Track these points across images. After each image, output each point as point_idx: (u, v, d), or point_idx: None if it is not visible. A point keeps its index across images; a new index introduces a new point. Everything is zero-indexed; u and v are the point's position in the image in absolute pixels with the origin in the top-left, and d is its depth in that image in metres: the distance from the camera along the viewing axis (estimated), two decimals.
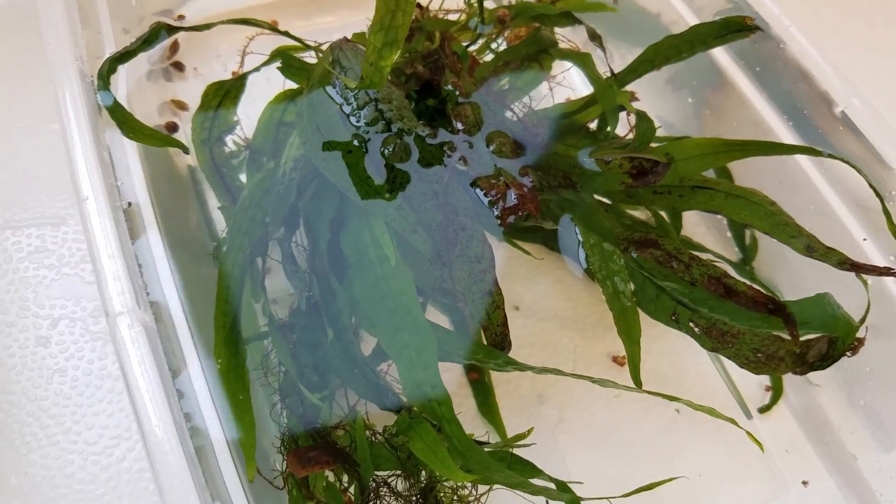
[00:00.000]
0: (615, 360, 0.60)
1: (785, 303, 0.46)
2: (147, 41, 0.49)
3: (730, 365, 0.57)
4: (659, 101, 0.67)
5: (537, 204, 0.47)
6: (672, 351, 0.61)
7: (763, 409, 0.59)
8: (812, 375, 0.59)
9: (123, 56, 0.48)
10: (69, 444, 0.53)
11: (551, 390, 0.58)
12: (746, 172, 0.59)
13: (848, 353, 0.50)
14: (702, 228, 0.66)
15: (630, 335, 0.45)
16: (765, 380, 0.61)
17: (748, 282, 0.47)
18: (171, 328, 0.44)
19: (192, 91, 0.63)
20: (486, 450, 0.45)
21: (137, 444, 0.54)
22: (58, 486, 0.52)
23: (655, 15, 0.68)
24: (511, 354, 0.47)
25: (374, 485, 0.43)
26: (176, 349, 0.43)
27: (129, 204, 0.45)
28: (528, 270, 0.62)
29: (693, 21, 0.65)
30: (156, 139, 0.48)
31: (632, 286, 0.46)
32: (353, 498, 0.43)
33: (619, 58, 0.67)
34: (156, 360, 0.37)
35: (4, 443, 0.53)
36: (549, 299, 0.62)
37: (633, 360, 0.45)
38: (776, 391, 0.59)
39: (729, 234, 0.65)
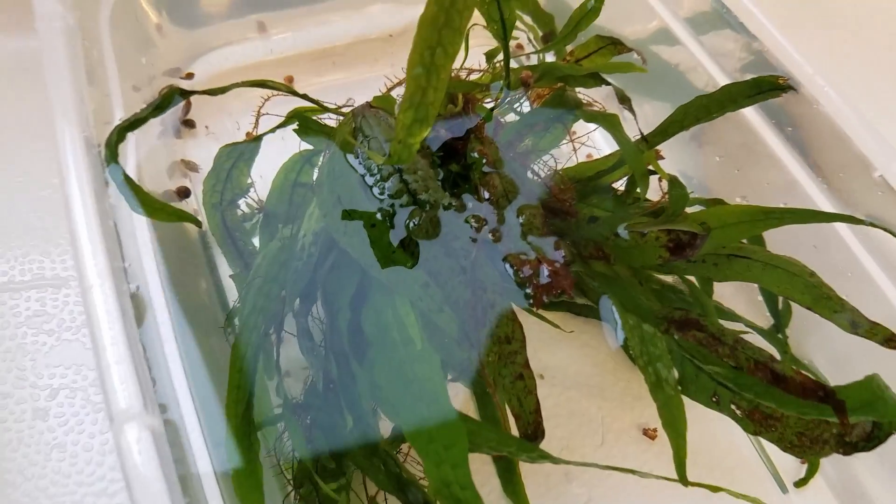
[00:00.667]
0: (645, 432, 0.57)
1: (836, 389, 0.43)
2: (159, 107, 0.47)
3: None
4: (683, 156, 0.64)
5: (571, 282, 0.44)
6: (703, 421, 0.58)
7: (799, 484, 0.56)
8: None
9: (133, 124, 0.46)
10: None
11: (579, 468, 0.55)
12: (781, 236, 0.57)
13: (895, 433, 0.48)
14: (729, 289, 0.63)
15: (675, 428, 0.42)
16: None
17: (795, 367, 0.44)
18: (180, 420, 0.41)
19: (203, 150, 0.60)
20: None
21: None
22: None
23: (675, 66, 0.66)
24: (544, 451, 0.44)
25: None
26: (184, 443, 0.40)
27: (138, 287, 0.42)
28: (551, 336, 0.60)
29: (717, 74, 0.63)
30: (168, 214, 0.45)
31: (676, 373, 0.43)
32: None
33: (647, 114, 0.65)
34: (163, 467, 0.34)
35: None
36: (575, 366, 0.59)
37: (678, 455, 0.42)
38: (813, 464, 0.56)
39: (759, 297, 0.62)
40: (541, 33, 0.68)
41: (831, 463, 0.58)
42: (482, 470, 0.56)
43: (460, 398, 0.53)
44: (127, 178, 0.44)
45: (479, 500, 0.39)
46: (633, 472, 0.43)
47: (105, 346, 0.37)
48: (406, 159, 0.41)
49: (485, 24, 0.52)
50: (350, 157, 0.47)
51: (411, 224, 0.45)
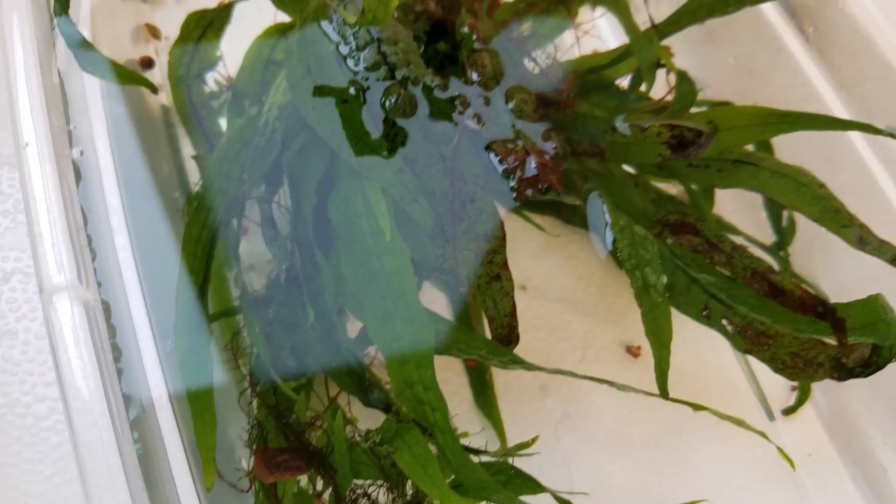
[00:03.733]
0: (629, 350, 0.54)
1: (836, 306, 0.40)
2: None
3: (754, 360, 0.52)
4: (695, 57, 0.59)
5: (560, 175, 0.40)
6: (691, 340, 0.55)
7: (788, 411, 0.54)
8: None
9: None
10: (16, 419, 0.48)
11: (556, 381, 0.52)
12: (789, 146, 0.53)
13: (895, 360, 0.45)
14: (732, 205, 0.59)
15: (659, 337, 0.39)
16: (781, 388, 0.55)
17: (795, 280, 0.41)
18: (124, 301, 0.37)
19: (171, 18, 0.55)
20: (483, 460, 0.40)
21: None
22: (2, 465, 0.47)
23: None
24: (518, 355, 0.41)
25: (352, 495, 0.37)
26: (127, 325, 0.37)
27: (82, 152, 0.38)
28: (538, 244, 0.56)
29: None
30: (122, 76, 0.41)
31: (664, 279, 0.40)
32: None
33: (663, 5, 0.60)
34: (96, 348, 0.31)
35: None
36: (560, 278, 0.55)
37: (660, 366, 0.39)
38: (804, 392, 0.54)
39: (763, 213, 0.58)
40: None
41: (822, 391, 0.55)
42: (454, 380, 0.54)
43: (438, 300, 0.50)
44: (76, 32, 0.39)
45: (443, 401, 0.36)
46: (609, 382, 0.40)
47: (37, 211, 0.33)
48: (382, 17, 0.36)
49: None
50: (324, 24, 0.42)
51: (387, 102, 0.40)
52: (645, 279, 0.39)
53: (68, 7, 0.41)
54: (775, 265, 0.55)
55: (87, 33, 0.46)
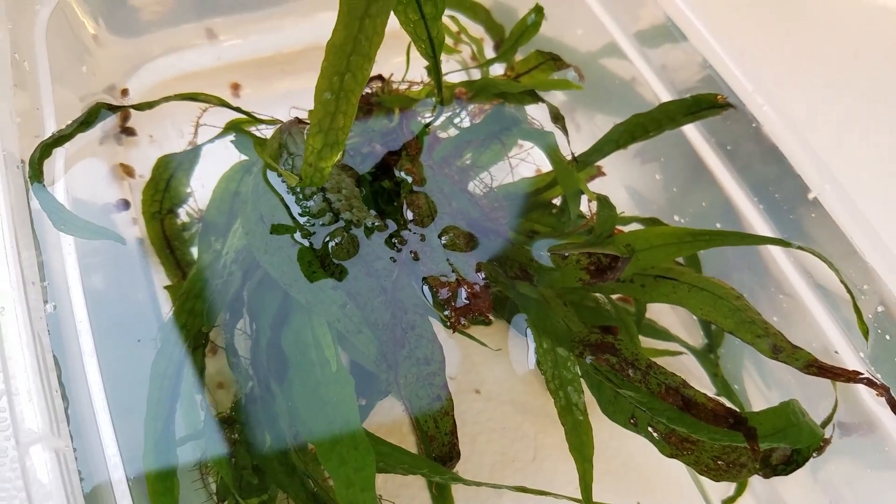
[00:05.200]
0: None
1: (746, 415, 0.44)
2: (85, 122, 0.47)
3: None
4: (627, 173, 0.65)
5: (489, 304, 0.45)
6: (637, 438, 0.59)
7: (727, 502, 0.57)
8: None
9: (59, 140, 0.46)
10: None
11: (511, 483, 0.55)
12: (715, 256, 0.57)
13: (814, 455, 0.48)
14: (667, 307, 0.63)
15: (582, 452, 0.42)
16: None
17: (706, 394, 0.45)
18: (95, 436, 0.41)
19: (146, 158, 0.60)
20: None
21: None
22: None
23: (629, 81, 0.66)
24: (469, 441, 0.45)
25: None
26: (97, 460, 0.41)
27: (55, 307, 0.42)
28: (490, 351, 0.60)
29: (663, 91, 0.63)
30: (91, 233, 0.46)
31: (585, 399, 0.43)
32: None
33: (595, 127, 0.65)
34: (66, 487, 0.35)
35: None
36: (511, 381, 0.59)
37: (584, 479, 0.42)
38: (741, 484, 0.57)
39: (695, 317, 0.62)
40: (492, 42, 0.68)
41: (759, 480, 0.58)
42: (414, 483, 0.57)
43: (397, 408, 0.54)
44: (49, 198, 0.44)
45: None
46: (545, 493, 0.44)
47: (13, 373, 0.38)
48: (318, 182, 0.41)
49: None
50: (273, 175, 0.47)
51: (332, 244, 0.45)
52: (568, 398, 0.43)
53: (42, 175, 0.46)
54: (704, 373, 0.59)
55: (62, 182, 0.52)
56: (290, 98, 0.58)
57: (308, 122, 0.51)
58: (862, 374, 0.47)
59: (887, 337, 0.51)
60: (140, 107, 0.49)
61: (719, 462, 0.46)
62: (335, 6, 0.47)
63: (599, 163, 0.59)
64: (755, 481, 0.58)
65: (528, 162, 0.58)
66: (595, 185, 0.61)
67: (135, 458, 0.44)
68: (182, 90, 0.59)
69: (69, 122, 0.51)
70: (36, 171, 0.45)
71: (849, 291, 0.50)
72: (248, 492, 0.46)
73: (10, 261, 0.40)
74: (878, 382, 0.46)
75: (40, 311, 0.40)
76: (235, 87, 0.64)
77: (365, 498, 0.40)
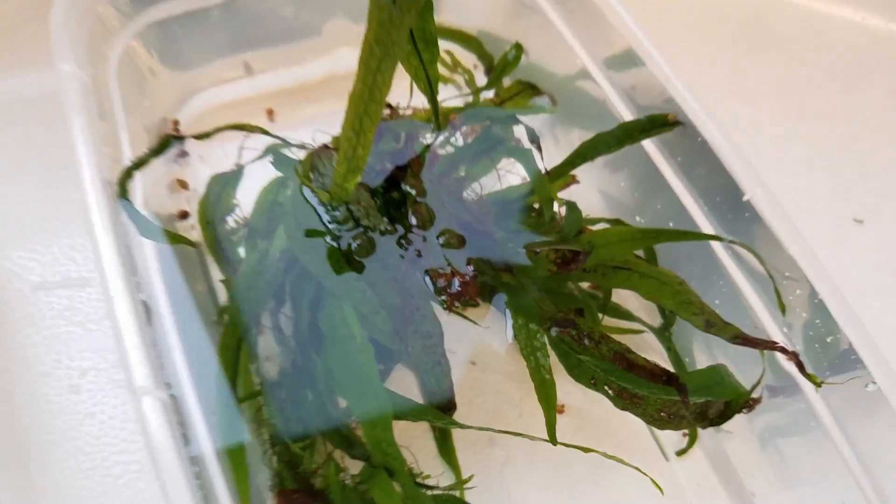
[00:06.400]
0: (557, 408, 0.70)
1: (678, 374, 0.56)
2: (156, 152, 0.60)
3: None
4: (599, 180, 0.77)
5: (476, 290, 0.57)
6: (603, 399, 0.72)
7: (680, 453, 0.69)
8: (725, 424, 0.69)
9: (137, 165, 0.59)
10: (99, 478, 0.65)
11: (500, 434, 0.68)
12: (669, 250, 0.69)
13: (744, 411, 0.61)
14: (632, 295, 0.75)
15: (548, 402, 0.55)
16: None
17: (646, 357, 0.57)
18: (181, 395, 0.54)
19: (198, 174, 0.73)
20: (435, 493, 0.56)
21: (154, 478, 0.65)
22: None
23: (601, 101, 0.77)
24: (467, 403, 0.58)
25: None
26: (184, 412, 0.54)
27: (148, 297, 0.55)
28: (483, 330, 0.73)
29: (631, 110, 0.75)
30: (171, 238, 0.59)
31: (550, 361, 0.56)
32: None
33: (571, 141, 0.77)
34: (171, 427, 0.48)
35: (48, 478, 0.64)
36: (500, 354, 0.72)
37: (549, 423, 0.55)
38: (692, 437, 0.69)
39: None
40: (483, 68, 0.80)
41: (709, 436, 0.71)
42: (423, 436, 0.70)
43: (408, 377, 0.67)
44: (134, 211, 0.57)
45: (400, 455, 0.53)
46: (521, 434, 0.56)
47: (126, 341, 0.51)
48: (344, 198, 0.53)
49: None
50: (307, 191, 0.60)
51: (354, 245, 0.58)
52: (537, 361, 0.56)
53: (127, 193, 0.59)
54: (662, 350, 0.70)
55: (138, 197, 0.64)
56: (315, 121, 0.71)
57: (331, 146, 0.64)
58: (777, 342, 0.59)
59: (804, 315, 0.63)
60: (199, 136, 0.62)
61: (662, 413, 0.59)
62: (349, 42, 0.58)
63: (574, 172, 0.71)
64: (704, 437, 0.70)
65: (514, 173, 0.70)
66: (571, 191, 0.73)
67: (209, 411, 0.57)
68: (225, 118, 0.72)
69: (141, 149, 0.64)
70: (122, 189, 0.58)
71: (771, 277, 0.62)
72: (293, 436, 0.59)
73: (113, 261, 0.53)
74: (790, 350, 0.58)
75: (138, 298, 0.53)
76: (270, 113, 0.77)
77: (385, 436, 0.53)
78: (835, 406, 0.61)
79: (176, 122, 0.73)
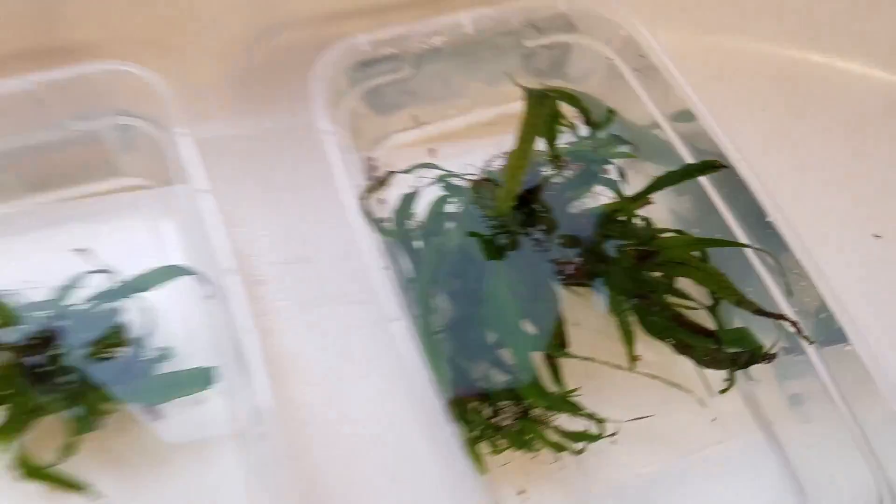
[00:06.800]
0: (634, 358, 1.00)
1: (715, 331, 0.86)
2: (383, 182, 0.94)
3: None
4: (667, 201, 1.07)
5: (584, 273, 0.89)
6: (670, 354, 1.01)
7: (722, 391, 0.98)
8: (754, 373, 0.98)
9: (372, 188, 0.94)
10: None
11: (594, 370, 0.98)
12: (716, 254, 0.99)
13: (765, 361, 0.90)
14: (689, 282, 1.05)
15: (629, 344, 0.86)
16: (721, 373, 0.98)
17: (700, 322, 0.87)
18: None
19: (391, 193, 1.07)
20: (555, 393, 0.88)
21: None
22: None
23: (668, 145, 1.08)
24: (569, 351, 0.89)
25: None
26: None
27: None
28: (586, 301, 1.03)
29: (687, 155, 1.05)
30: (384, 234, 0.93)
31: (632, 320, 0.87)
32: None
33: (651, 172, 1.08)
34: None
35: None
36: (597, 319, 1.02)
37: (629, 355, 0.86)
38: (731, 381, 0.98)
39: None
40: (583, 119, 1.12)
41: (743, 381, 0.99)
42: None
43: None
44: (375, 217, 0.91)
45: (535, 372, 0.85)
46: (607, 363, 0.87)
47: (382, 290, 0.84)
48: (504, 214, 0.86)
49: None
50: (473, 207, 0.93)
51: (504, 242, 0.90)
52: (623, 319, 0.87)
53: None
54: (710, 316, 1.00)
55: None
56: (463, 157, 1.04)
57: (487, 178, 0.97)
58: (784, 314, 0.88)
59: (806, 298, 0.91)
60: (405, 171, 0.95)
61: (706, 358, 0.89)
62: (485, 102, 0.92)
63: (650, 196, 1.02)
64: (740, 381, 0.99)
65: (605, 196, 1.02)
66: (647, 209, 1.03)
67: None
68: (403, 155, 1.06)
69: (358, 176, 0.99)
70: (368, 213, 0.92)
71: (783, 274, 0.91)
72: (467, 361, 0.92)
73: (370, 244, 0.86)
74: (792, 320, 0.88)
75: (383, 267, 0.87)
76: (432, 152, 1.11)
77: (524, 356, 0.85)
78: (827, 361, 0.90)
79: (371, 159, 1.08)
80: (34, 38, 0.97)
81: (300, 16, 1.08)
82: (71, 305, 0.83)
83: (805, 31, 1.31)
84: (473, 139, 1.13)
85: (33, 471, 0.71)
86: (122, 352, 0.84)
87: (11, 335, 0.81)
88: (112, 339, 0.82)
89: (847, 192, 1.17)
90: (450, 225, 0.98)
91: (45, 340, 0.81)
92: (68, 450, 0.76)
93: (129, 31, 0.99)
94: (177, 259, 0.93)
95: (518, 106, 0.88)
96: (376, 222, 0.92)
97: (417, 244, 1.01)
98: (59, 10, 0.94)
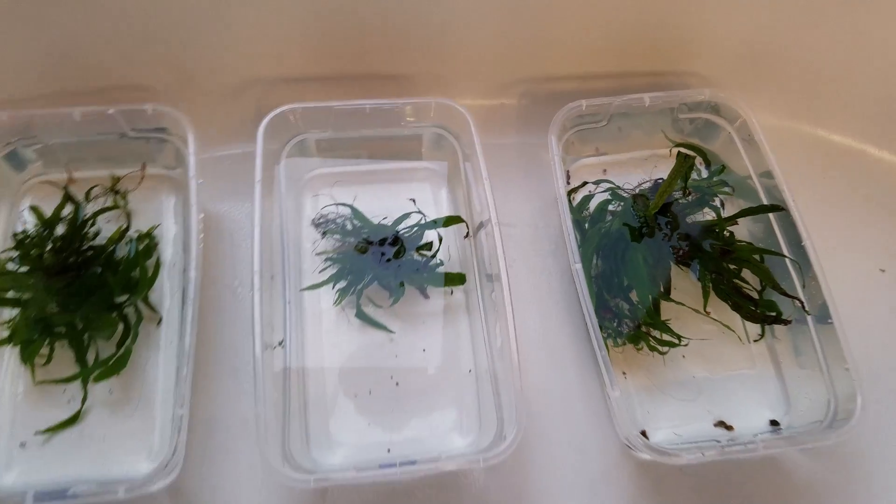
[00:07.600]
0: (708, 314, 1.68)
1: (757, 300, 1.53)
2: (575, 188, 1.65)
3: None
4: (749, 224, 1.71)
5: (687, 257, 1.58)
6: (730, 312, 1.67)
7: (756, 340, 1.57)
8: (777, 332, 1.64)
9: (569, 192, 1.65)
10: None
11: (682, 312, 1.66)
12: (770, 258, 1.65)
13: (783, 324, 1.53)
14: (749, 274, 1.71)
15: (705, 297, 1.54)
16: (757, 328, 1.57)
17: (746, 290, 1.54)
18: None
19: (578, 193, 1.78)
20: (657, 319, 1.58)
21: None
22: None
23: (755, 191, 1.73)
24: (663, 307, 1.58)
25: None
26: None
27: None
28: (680, 273, 1.71)
29: (765, 197, 1.70)
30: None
31: (709, 287, 1.55)
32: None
33: (742, 205, 1.73)
34: (582, 283, 1.53)
35: None
36: (691, 288, 1.69)
37: (705, 305, 1.54)
38: (762, 333, 1.55)
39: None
40: (703, 163, 1.79)
41: (770, 335, 1.65)
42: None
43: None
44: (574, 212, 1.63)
45: (652, 312, 1.54)
46: (690, 306, 1.55)
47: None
48: (648, 216, 1.56)
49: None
50: (630, 209, 1.63)
51: (645, 232, 1.60)
52: (706, 286, 1.54)
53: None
54: (756, 294, 1.67)
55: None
56: (627, 176, 1.73)
57: (642, 193, 1.66)
58: (796, 296, 1.54)
59: (813, 292, 1.56)
60: (593, 182, 1.66)
61: (750, 315, 1.55)
62: (646, 147, 1.62)
63: (736, 220, 1.69)
64: (767, 334, 1.61)
65: (710, 214, 1.69)
66: (734, 227, 1.69)
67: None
68: (588, 172, 1.77)
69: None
70: (570, 200, 1.63)
71: (803, 275, 1.56)
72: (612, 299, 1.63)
73: (570, 231, 1.58)
74: (802, 301, 1.53)
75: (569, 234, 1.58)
76: (605, 172, 1.81)
77: (647, 301, 1.54)
78: (818, 331, 1.55)
79: (569, 172, 1.79)
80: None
81: (548, 74, 1.80)
82: (403, 229, 1.60)
83: (872, 128, 1.92)
84: (631, 167, 1.83)
85: (361, 313, 1.48)
86: (423, 256, 1.61)
87: (376, 237, 1.57)
88: (421, 248, 1.58)
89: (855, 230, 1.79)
90: (609, 218, 1.68)
91: (394, 241, 1.57)
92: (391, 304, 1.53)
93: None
94: (454, 211, 1.68)
95: (662, 152, 1.59)
96: (571, 209, 1.63)
97: (588, 227, 1.72)
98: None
